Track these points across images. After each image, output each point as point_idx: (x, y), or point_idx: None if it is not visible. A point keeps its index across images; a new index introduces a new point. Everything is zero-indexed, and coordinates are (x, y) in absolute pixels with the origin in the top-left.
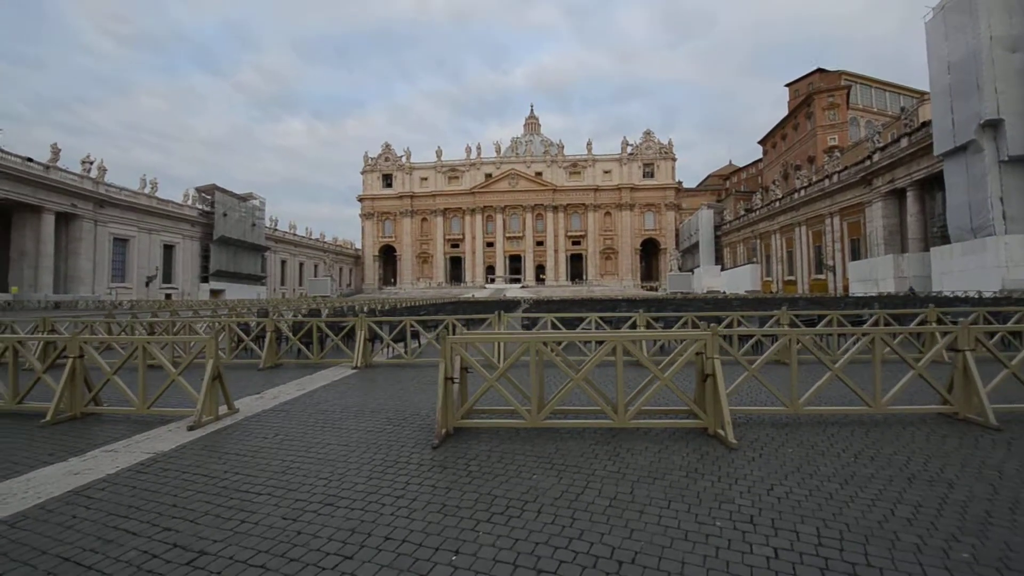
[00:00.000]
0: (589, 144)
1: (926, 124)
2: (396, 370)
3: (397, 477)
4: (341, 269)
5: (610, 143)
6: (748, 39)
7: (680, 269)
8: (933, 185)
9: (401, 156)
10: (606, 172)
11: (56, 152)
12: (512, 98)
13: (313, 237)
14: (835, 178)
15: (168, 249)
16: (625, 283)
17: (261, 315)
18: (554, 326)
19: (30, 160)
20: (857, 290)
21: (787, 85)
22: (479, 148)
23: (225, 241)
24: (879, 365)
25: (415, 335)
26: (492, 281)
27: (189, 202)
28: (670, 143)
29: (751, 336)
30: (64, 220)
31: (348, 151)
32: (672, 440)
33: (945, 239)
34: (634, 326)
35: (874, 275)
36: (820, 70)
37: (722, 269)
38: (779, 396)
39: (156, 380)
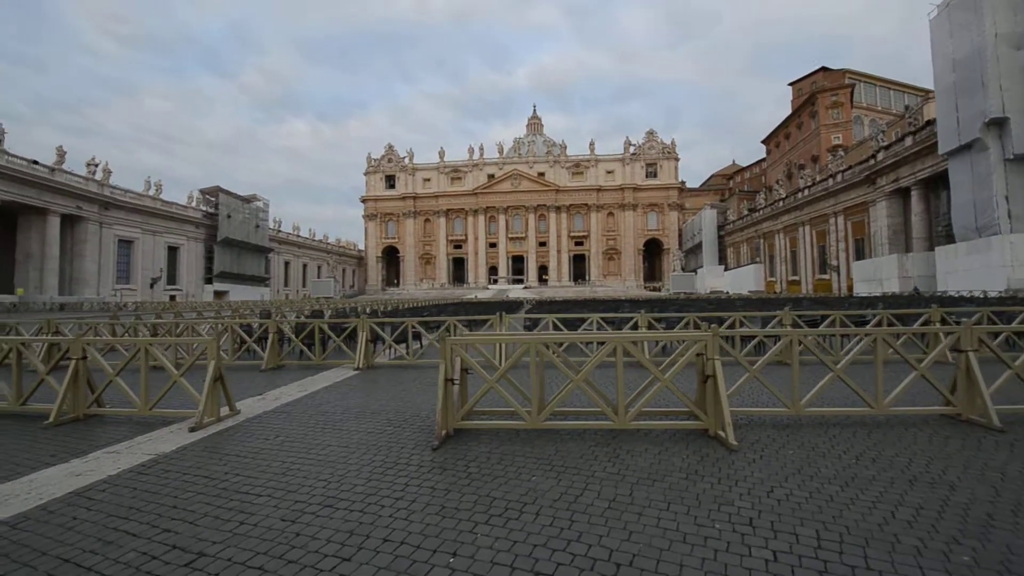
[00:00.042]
0: (592, 144)
1: (930, 123)
2: (398, 371)
3: (396, 479)
4: (344, 270)
5: (613, 143)
6: (750, 38)
7: (683, 269)
8: (938, 184)
9: (404, 157)
10: (609, 172)
11: (61, 154)
12: (514, 98)
13: (316, 238)
14: (839, 177)
15: (172, 251)
16: (628, 283)
17: (263, 316)
18: (555, 327)
19: (35, 162)
20: (861, 290)
21: (790, 84)
22: (482, 149)
23: (229, 243)
24: (881, 366)
25: (417, 336)
26: (495, 282)
27: (193, 204)
28: (673, 143)
29: (754, 337)
30: (69, 222)
31: (351, 152)
32: (672, 442)
33: (950, 238)
34: (636, 327)
35: (878, 275)
36: (824, 69)
37: (725, 269)
38: (780, 397)
39: (159, 381)
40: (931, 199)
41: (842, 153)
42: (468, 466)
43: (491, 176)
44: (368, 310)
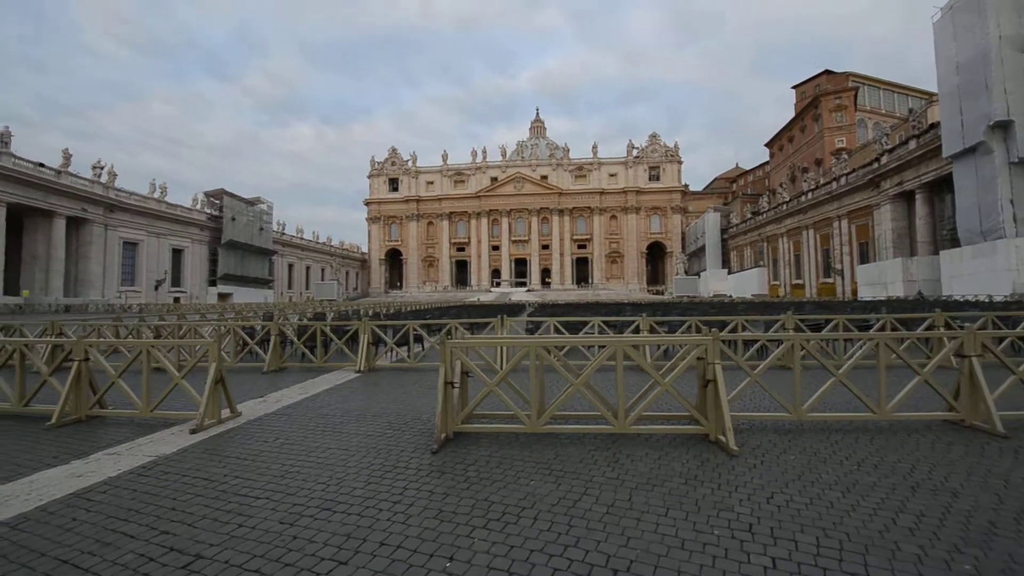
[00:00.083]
0: (595, 147)
1: (935, 126)
2: (399, 374)
3: (395, 482)
4: (348, 273)
5: (616, 146)
6: (753, 40)
7: (686, 273)
8: (942, 187)
9: (407, 160)
10: (612, 175)
11: (67, 157)
12: (519, 102)
13: (320, 241)
14: (843, 180)
15: (177, 253)
16: (631, 287)
17: (266, 319)
18: (557, 330)
19: (41, 165)
20: (866, 294)
21: (794, 87)
22: (485, 152)
23: (233, 245)
24: (883, 371)
25: (418, 339)
26: (498, 285)
27: (198, 206)
28: (676, 146)
29: (756, 341)
30: (75, 224)
31: (355, 155)
32: (673, 446)
33: (955, 242)
34: (637, 330)
35: (883, 279)
36: (827, 72)
37: (729, 273)
38: (782, 402)
39: (161, 383)
40: (935, 202)
41: (846, 156)
42: (467, 470)
43: (494, 179)
44: (371, 312)
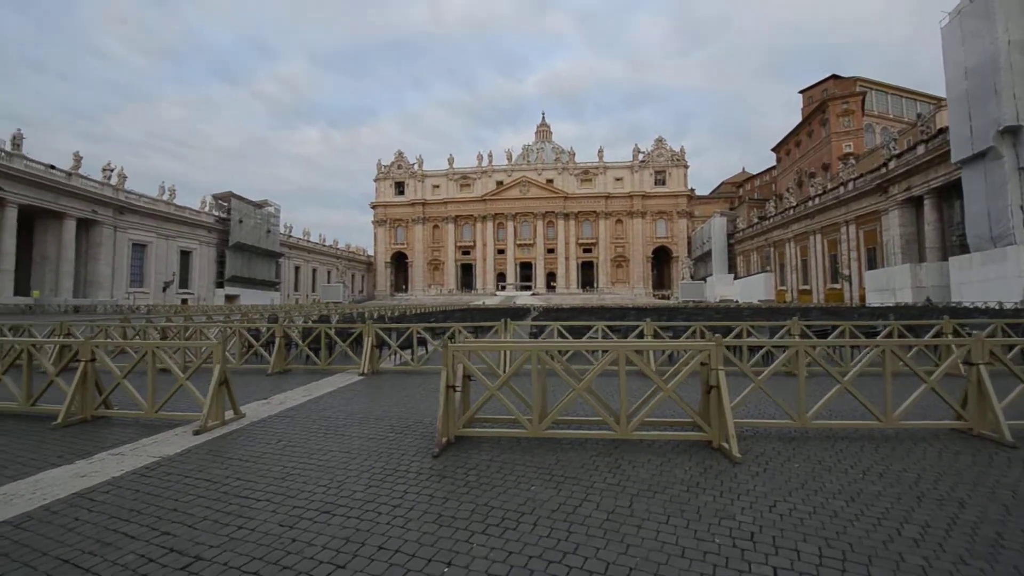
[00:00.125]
0: (600, 151)
1: (943, 131)
2: (402, 377)
3: (395, 486)
4: (354, 275)
5: (622, 151)
6: (761, 45)
7: (692, 277)
8: (951, 193)
9: (413, 164)
10: (617, 179)
11: (78, 160)
12: (525, 105)
13: (327, 244)
14: (850, 185)
15: (185, 255)
16: (636, 291)
17: (271, 321)
18: (560, 334)
19: (53, 167)
20: (874, 300)
21: (801, 92)
22: (491, 156)
23: (240, 247)
24: (889, 378)
25: (422, 342)
26: (503, 288)
27: (206, 209)
28: (682, 150)
29: (762, 347)
30: (85, 226)
31: (362, 159)
32: (675, 452)
33: (964, 248)
34: (641, 335)
35: (891, 285)
36: (834, 76)
37: (735, 278)
38: (786, 409)
39: (166, 384)
40: (944, 208)
41: (853, 161)
42: (467, 474)
43: (500, 183)
44: (375, 315)
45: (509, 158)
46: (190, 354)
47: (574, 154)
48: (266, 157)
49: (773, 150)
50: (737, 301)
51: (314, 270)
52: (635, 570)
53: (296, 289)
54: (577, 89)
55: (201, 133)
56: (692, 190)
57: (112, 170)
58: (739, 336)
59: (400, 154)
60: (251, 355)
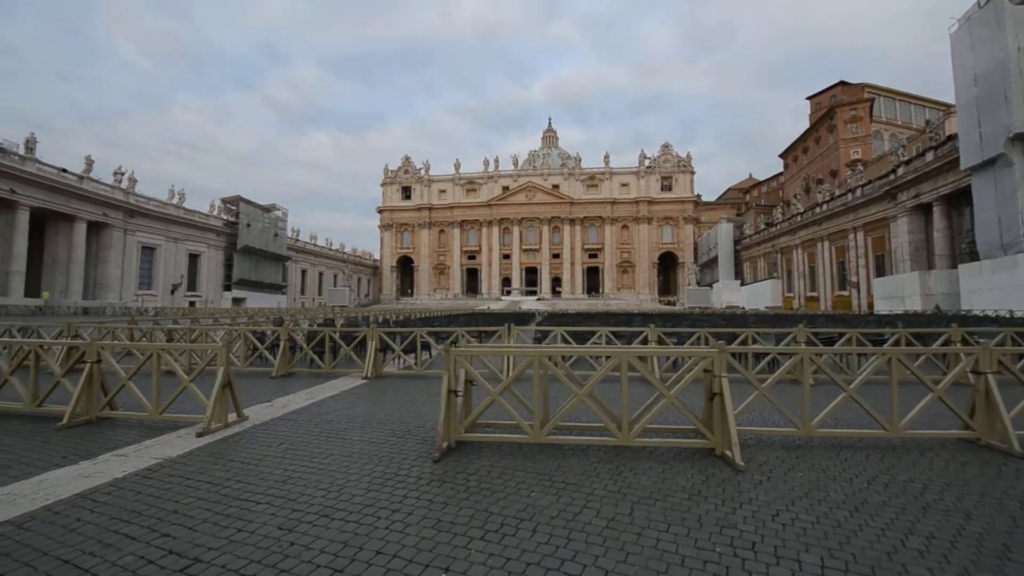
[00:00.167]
0: (607, 157)
1: (952, 137)
2: (406, 381)
3: (395, 490)
4: (360, 279)
5: (628, 156)
6: (768, 51)
7: (698, 283)
8: (961, 200)
9: (420, 169)
10: (623, 185)
11: (90, 164)
12: (532, 111)
13: (333, 248)
14: (858, 192)
15: (193, 258)
16: (642, 297)
17: (276, 324)
18: (564, 340)
19: (64, 171)
20: (882, 307)
21: (808, 98)
22: (497, 161)
23: (248, 251)
24: (896, 386)
25: (426, 346)
26: (508, 293)
27: (215, 212)
28: (688, 156)
29: (767, 354)
30: (95, 229)
31: (370, 164)
32: (677, 460)
33: (974, 256)
34: (645, 341)
35: (900, 292)
36: (842, 83)
37: (742, 284)
38: (791, 417)
39: (172, 386)
40: (954, 215)
41: (861, 168)
42: (468, 479)
43: (506, 188)
44: (380, 319)
45: (515, 163)
46: (196, 356)
47: (580, 160)
48: (276, 162)
49: (780, 156)
50: (743, 307)
51: (320, 274)
52: None
53: (303, 292)
54: (583, 96)
55: (212, 138)
56: (699, 196)
57: (123, 174)
58: (744, 343)
59: (407, 159)
60: (256, 358)
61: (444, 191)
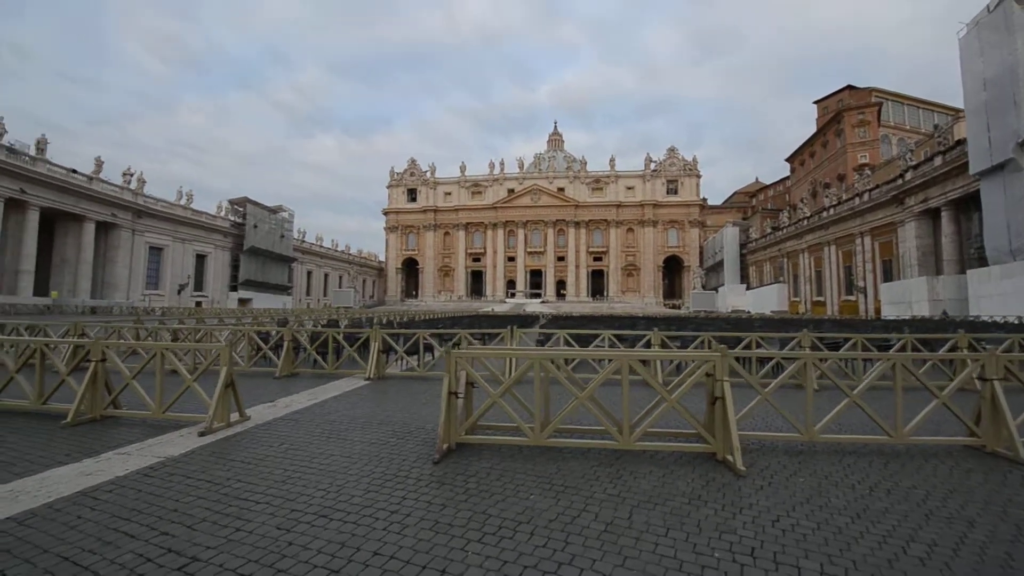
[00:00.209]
0: (612, 160)
1: (961, 142)
2: (408, 382)
3: (394, 491)
4: (365, 281)
5: (633, 160)
6: (775, 55)
7: (704, 287)
8: (969, 205)
9: (426, 171)
10: (629, 188)
11: (99, 164)
12: (537, 114)
13: (339, 249)
14: (866, 196)
15: (200, 258)
16: (647, 300)
17: (280, 324)
18: (567, 342)
19: (74, 171)
20: (889, 313)
21: (816, 102)
22: (502, 164)
23: (255, 251)
24: (900, 392)
25: (428, 348)
26: (512, 296)
27: (222, 214)
28: (694, 160)
29: (771, 358)
30: (104, 229)
31: (375, 166)
32: (678, 464)
33: (983, 261)
34: (649, 345)
35: (907, 297)
36: (850, 87)
37: (747, 288)
38: (793, 422)
39: (176, 385)
40: (962, 220)
41: (869, 172)
42: (467, 481)
43: (511, 191)
44: (384, 321)
45: (521, 166)
46: (200, 356)
47: (586, 163)
48: (282, 164)
49: (787, 160)
50: (749, 312)
51: (326, 275)
52: None
53: (308, 293)
54: (589, 99)
55: (219, 139)
56: (704, 199)
57: (132, 175)
58: (748, 347)
59: (413, 161)
60: (260, 358)
61: (449, 193)
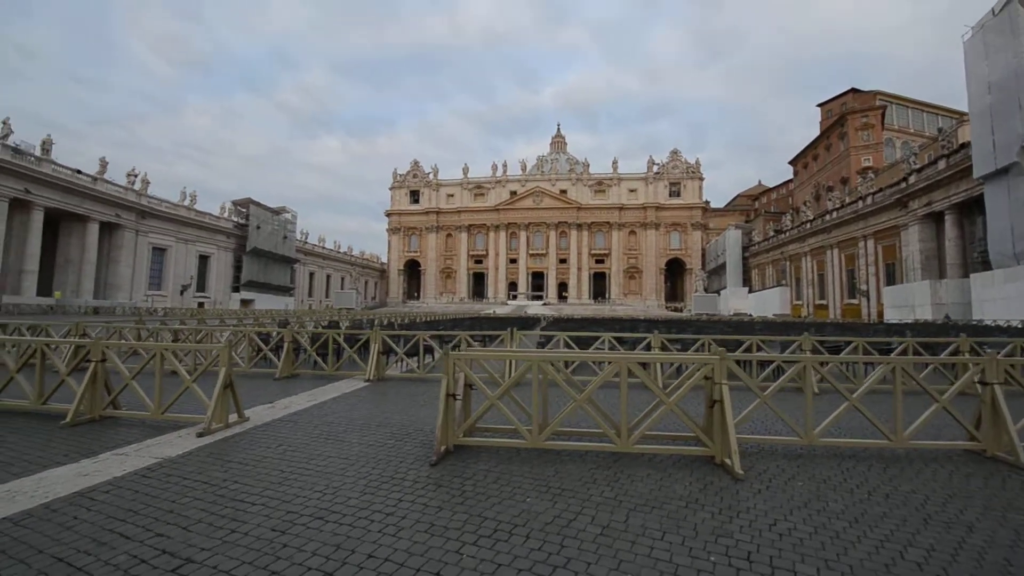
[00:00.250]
0: (615, 162)
1: (965, 145)
2: (407, 384)
3: (390, 493)
4: (367, 282)
5: (636, 162)
6: (779, 58)
7: (706, 290)
8: (973, 209)
9: (428, 173)
10: (631, 191)
11: (104, 165)
12: (541, 116)
13: (341, 250)
14: (869, 200)
15: (203, 259)
16: (649, 303)
17: (281, 326)
18: (567, 345)
19: (79, 172)
20: (892, 316)
21: (819, 105)
22: (505, 166)
23: (257, 253)
24: (899, 396)
25: (429, 350)
26: (514, 298)
27: (225, 215)
28: (697, 162)
29: (771, 361)
30: (107, 229)
31: (378, 168)
32: (676, 467)
33: (986, 265)
34: (649, 347)
35: (910, 301)
36: (854, 90)
37: (750, 291)
38: (792, 425)
39: (175, 386)
40: (966, 224)
41: (872, 175)
42: (464, 484)
43: (513, 193)
44: (385, 322)
45: (523, 168)
46: (200, 357)
47: (588, 165)
48: (286, 165)
49: (790, 163)
50: (751, 315)
51: (328, 276)
52: None
53: (310, 295)
54: (593, 100)
55: (224, 141)
56: (707, 202)
57: (136, 175)
58: (749, 350)
59: (416, 163)
60: (260, 359)
61: (452, 195)
